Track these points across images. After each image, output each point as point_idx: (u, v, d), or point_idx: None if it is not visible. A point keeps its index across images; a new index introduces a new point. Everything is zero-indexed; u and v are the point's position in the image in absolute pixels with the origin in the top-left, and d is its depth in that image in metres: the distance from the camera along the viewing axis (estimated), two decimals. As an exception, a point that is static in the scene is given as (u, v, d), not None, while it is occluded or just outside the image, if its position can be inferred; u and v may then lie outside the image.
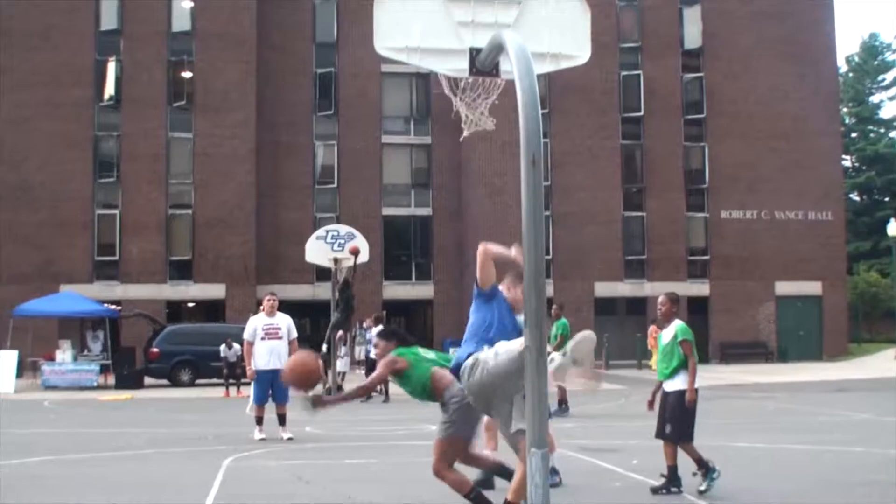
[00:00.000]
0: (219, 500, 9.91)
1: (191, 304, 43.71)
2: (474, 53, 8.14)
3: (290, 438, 15.02)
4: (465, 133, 8.84)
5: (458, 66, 8.32)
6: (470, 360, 7.33)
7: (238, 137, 42.80)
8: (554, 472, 10.07)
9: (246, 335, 15.59)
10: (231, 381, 28.10)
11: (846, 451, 13.35)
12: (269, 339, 15.31)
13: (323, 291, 43.02)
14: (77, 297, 35.52)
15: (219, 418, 20.24)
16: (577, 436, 15.27)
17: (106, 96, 43.32)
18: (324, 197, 45.02)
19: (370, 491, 10.27)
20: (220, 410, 22.90)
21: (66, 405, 24.97)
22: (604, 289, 45.07)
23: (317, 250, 27.68)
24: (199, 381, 32.54)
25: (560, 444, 13.24)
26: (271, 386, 15.08)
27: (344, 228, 28.32)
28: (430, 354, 8.73)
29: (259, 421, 15.34)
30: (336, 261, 27.03)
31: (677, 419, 9.98)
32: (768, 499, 9.91)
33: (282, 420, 15.30)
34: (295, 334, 15.53)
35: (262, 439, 15.02)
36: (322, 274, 42.76)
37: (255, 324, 15.53)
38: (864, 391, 26.35)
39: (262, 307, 15.87)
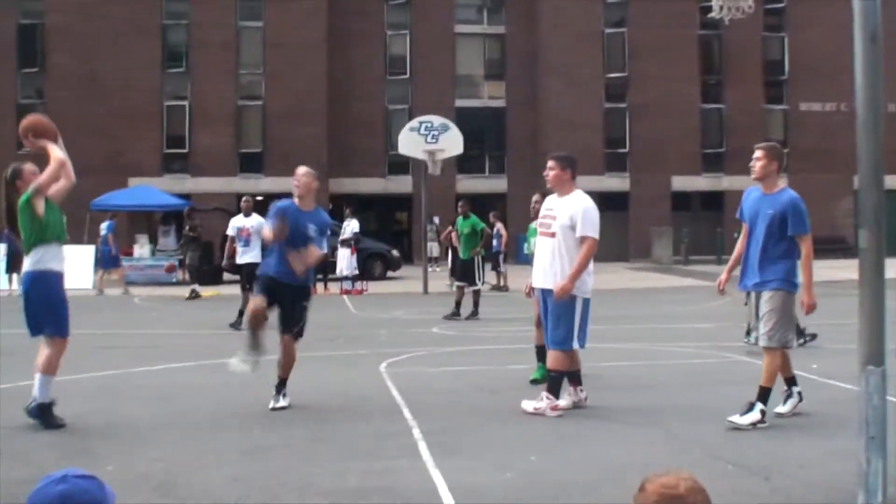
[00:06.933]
0: (411, 406, 9.37)
1: (261, 198, 43.00)
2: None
3: None
4: (716, 15, 8.04)
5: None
6: None
7: (309, 26, 41.83)
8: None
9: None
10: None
11: None
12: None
13: (395, 185, 42.55)
14: (152, 191, 35.11)
15: (329, 318, 19.40)
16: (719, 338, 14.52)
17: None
18: (395, 88, 44.15)
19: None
20: (324, 309, 22.17)
21: (159, 302, 24.57)
22: (681, 183, 44.16)
23: (410, 142, 26.89)
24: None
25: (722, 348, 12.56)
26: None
27: (438, 119, 27.39)
28: None
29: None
30: (430, 153, 26.29)
31: None
32: None
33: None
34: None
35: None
36: (395, 167, 42.20)
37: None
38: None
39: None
